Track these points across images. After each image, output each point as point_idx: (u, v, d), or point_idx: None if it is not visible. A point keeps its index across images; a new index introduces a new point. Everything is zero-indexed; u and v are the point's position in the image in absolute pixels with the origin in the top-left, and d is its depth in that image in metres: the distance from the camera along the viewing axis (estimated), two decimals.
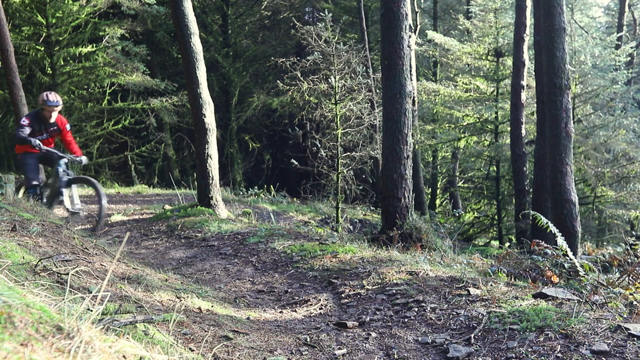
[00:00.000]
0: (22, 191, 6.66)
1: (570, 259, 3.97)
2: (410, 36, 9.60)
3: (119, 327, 1.95)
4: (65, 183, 6.19)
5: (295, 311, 3.52)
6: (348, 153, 9.02)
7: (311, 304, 3.62)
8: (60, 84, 14.55)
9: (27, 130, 6.03)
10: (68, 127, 6.46)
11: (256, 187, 13.86)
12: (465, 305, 3.04)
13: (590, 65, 13.83)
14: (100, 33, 14.99)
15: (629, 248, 5.20)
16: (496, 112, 14.47)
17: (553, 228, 4.09)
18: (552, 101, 7.29)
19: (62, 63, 14.73)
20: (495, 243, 14.53)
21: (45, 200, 6.25)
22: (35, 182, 6.21)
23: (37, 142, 5.97)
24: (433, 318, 2.98)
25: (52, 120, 6.20)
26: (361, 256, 4.67)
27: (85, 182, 6.47)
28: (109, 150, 16.94)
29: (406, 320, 3.02)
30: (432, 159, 19.14)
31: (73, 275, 2.89)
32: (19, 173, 7.44)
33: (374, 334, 2.89)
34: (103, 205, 6.03)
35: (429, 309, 3.10)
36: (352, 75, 9.11)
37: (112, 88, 15.25)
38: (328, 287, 4.01)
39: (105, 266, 3.53)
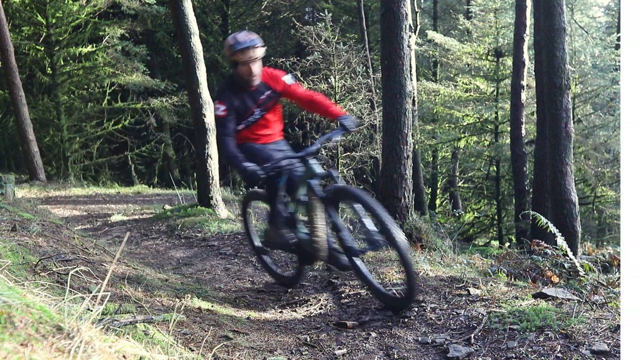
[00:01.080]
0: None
1: (570, 259, 3.97)
2: (410, 36, 9.60)
3: (119, 327, 1.95)
4: (329, 199, 3.41)
5: (295, 311, 3.52)
6: (348, 153, 9.02)
7: (311, 304, 3.62)
8: (60, 84, 14.56)
9: (231, 125, 3.59)
10: (289, 79, 3.79)
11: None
12: (465, 305, 3.04)
13: (590, 65, 13.83)
14: (100, 33, 15.00)
15: None
16: (496, 112, 14.47)
17: (553, 228, 4.09)
18: (552, 101, 7.29)
19: (62, 63, 14.74)
20: (495, 243, 14.54)
21: (302, 232, 3.74)
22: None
23: (254, 169, 3.33)
24: (433, 318, 2.98)
25: (257, 79, 3.62)
26: None
27: (350, 197, 3.29)
28: (109, 150, 16.96)
29: (406, 320, 3.02)
30: (432, 159, 19.14)
31: (73, 275, 2.89)
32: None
33: (374, 334, 2.89)
34: (401, 246, 2.91)
35: (429, 309, 3.10)
36: (352, 75, 9.12)
37: (112, 88, 15.25)
38: (328, 287, 4.01)
39: (105, 266, 3.53)
